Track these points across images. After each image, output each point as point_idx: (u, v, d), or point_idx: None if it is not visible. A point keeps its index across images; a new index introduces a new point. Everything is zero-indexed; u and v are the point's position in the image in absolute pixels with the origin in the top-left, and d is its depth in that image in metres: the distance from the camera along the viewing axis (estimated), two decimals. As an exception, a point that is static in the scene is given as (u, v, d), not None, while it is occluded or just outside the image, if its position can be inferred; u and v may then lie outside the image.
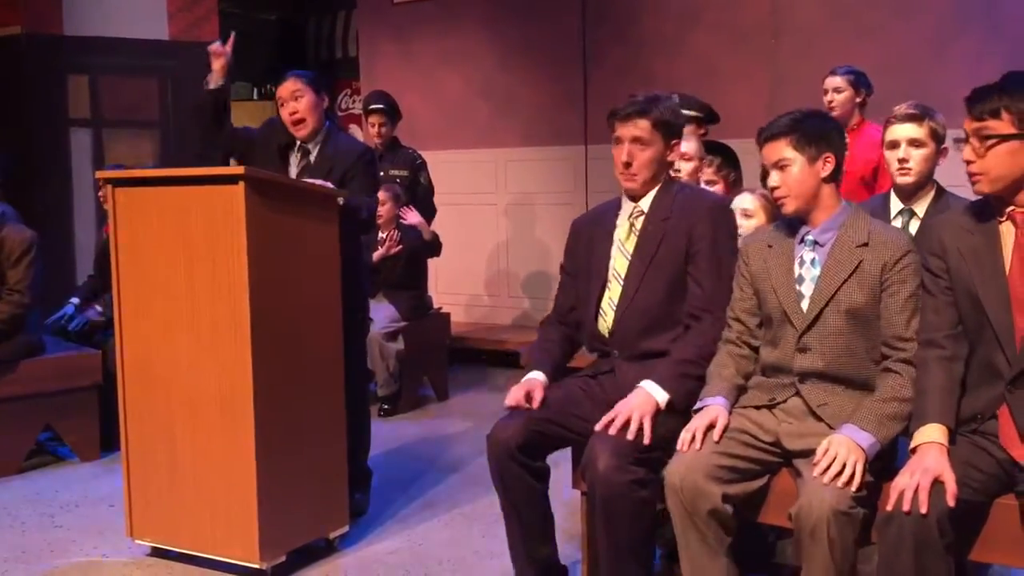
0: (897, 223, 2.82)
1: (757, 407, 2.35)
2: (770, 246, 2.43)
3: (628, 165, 2.61)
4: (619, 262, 2.67)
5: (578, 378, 2.71)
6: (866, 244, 2.30)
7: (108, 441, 4.26)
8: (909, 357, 2.21)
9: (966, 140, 2.08)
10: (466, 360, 6.27)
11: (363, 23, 7.63)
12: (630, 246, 2.66)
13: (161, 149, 7.02)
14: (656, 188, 2.67)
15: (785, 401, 2.33)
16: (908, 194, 2.82)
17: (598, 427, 2.40)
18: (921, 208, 2.81)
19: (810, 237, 2.37)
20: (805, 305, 2.32)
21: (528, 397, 2.57)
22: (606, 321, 2.66)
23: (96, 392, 4.28)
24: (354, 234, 3.37)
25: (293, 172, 3.41)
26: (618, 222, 2.72)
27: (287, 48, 9.02)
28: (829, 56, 4.89)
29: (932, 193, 2.82)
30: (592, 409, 2.53)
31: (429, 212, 5.56)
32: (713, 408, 2.34)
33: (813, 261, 2.35)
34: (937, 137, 2.81)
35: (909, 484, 1.93)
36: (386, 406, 5.15)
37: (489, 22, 6.78)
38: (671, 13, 6.00)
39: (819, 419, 2.27)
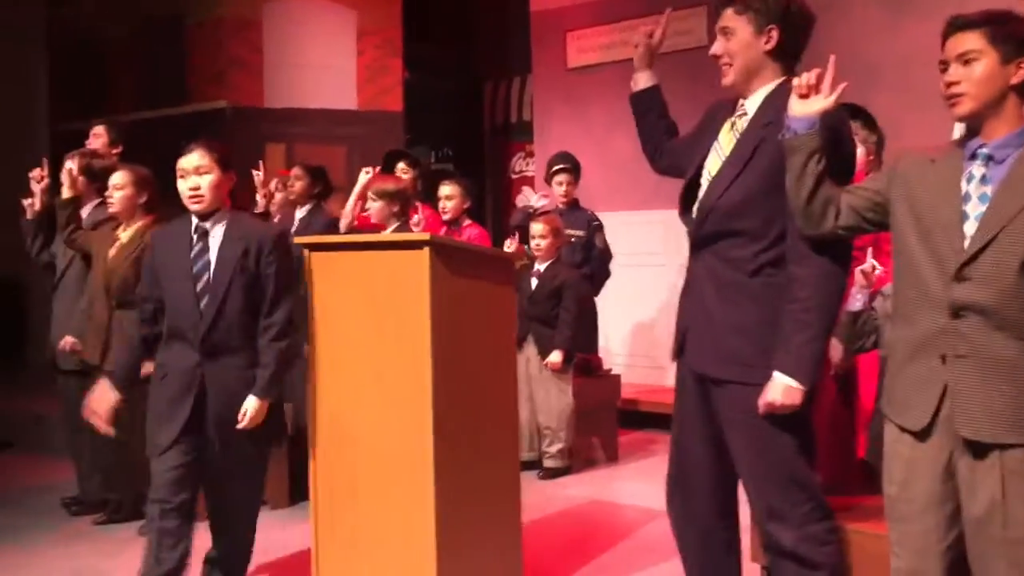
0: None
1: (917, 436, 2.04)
2: (933, 161, 2.09)
3: (717, 57, 2.42)
4: (712, 161, 2.44)
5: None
6: None
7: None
8: None
9: None
10: (637, 423, 6.20)
11: (538, 88, 7.86)
12: (727, 147, 2.41)
13: (347, 212, 7.45)
14: (768, 88, 2.38)
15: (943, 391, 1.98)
16: None
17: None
18: None
19: (984, 151, 2.01)
20: (969, 229, 1.98)
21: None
22: (690, 221, 2.47)
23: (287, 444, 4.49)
24: None
25: (192, 255, 3.01)
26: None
27: (465, 113, 9.37)
28: None
29: None
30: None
31: (603, 274, 5.63)
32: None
33: (984, 178, 2.00)
34: None
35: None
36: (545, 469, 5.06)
37: (660, 85, 6.81)
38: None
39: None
